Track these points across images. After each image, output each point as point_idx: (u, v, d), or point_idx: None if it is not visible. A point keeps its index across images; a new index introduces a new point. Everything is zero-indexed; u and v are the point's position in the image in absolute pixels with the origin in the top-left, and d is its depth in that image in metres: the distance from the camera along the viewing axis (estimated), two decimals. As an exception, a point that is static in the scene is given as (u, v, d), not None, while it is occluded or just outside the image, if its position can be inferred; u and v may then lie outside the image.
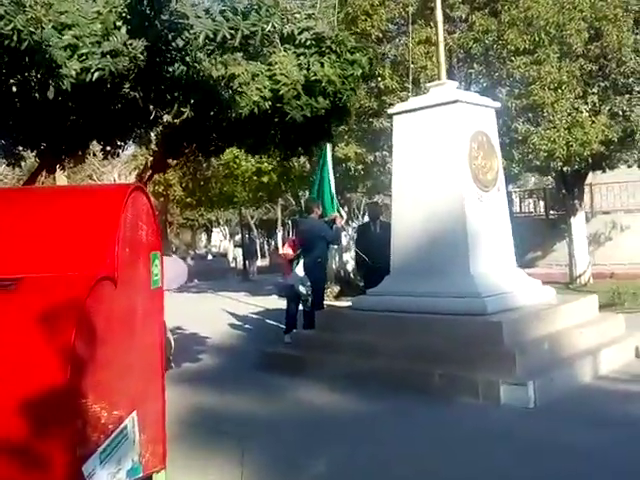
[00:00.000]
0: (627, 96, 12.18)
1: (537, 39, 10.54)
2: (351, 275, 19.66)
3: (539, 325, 7.08)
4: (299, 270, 9.47)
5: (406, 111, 7.88)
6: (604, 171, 15.28)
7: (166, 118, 5.02)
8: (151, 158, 6.67)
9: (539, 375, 6.12)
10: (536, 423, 5.40)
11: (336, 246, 12.13)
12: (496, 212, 7.86)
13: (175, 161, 6.82)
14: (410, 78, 8.57)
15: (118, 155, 6.33)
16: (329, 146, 9.85)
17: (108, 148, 6.07)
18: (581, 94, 11.53)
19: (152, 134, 5.92)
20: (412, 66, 9.24)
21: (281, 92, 5.06)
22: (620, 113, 12.12)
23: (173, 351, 3.79)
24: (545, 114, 11.04)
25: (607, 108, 12.14)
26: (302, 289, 9.17)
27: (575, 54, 11.09)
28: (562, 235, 19.41)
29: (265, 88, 4.91)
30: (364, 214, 26.40)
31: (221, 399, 6.68)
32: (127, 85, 4.38)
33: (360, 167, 12.72)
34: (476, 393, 6.12)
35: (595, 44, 11.34)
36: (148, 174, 6.73)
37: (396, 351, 6.99)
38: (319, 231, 9.27)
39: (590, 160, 12.40)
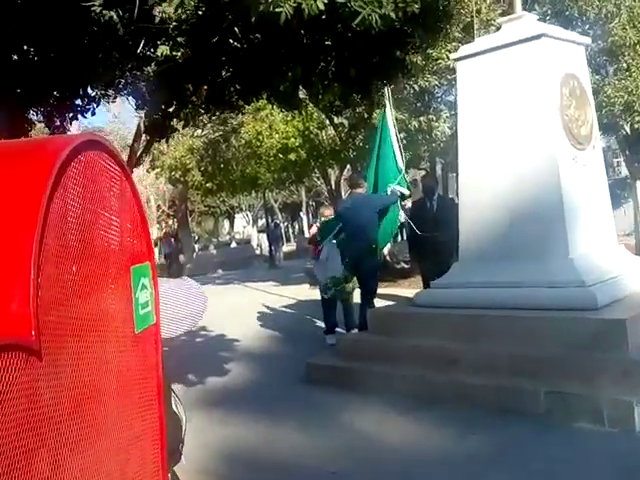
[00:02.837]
0: None
1: (618, -33, 8.84)
2: (386, 258, 18.14)
3: (664, 319, 5.47)
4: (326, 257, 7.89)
5: (474, 54, 6.20)
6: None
7: (161, 50, 3.25)
8: (144, 117, 4.67)
9: (681, 390, 4.57)
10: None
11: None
12: (593, 175, 6.23)
13: (181, 122, 4.82)
14: (474, 17, 6.86)
15: (93, 113, 4.40)
16: (388, 105, 8.01)
17: (69, 102, 4.16)
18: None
19: (141, 78, 4.10)
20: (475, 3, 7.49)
21: None
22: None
23: (185, 434, 2.06)
24: (625, 58, 9.29)
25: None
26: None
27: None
28: (619, 202, 17.87)
29: None
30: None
31: (258, 431, 5.28)
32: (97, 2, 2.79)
33: (402, 135, 11.00)
34: (600, 417, 4.64)
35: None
36: (143, 143, 4.70)
37: (479, 360, 5.51)
38: (374, 207, 7.47)
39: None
